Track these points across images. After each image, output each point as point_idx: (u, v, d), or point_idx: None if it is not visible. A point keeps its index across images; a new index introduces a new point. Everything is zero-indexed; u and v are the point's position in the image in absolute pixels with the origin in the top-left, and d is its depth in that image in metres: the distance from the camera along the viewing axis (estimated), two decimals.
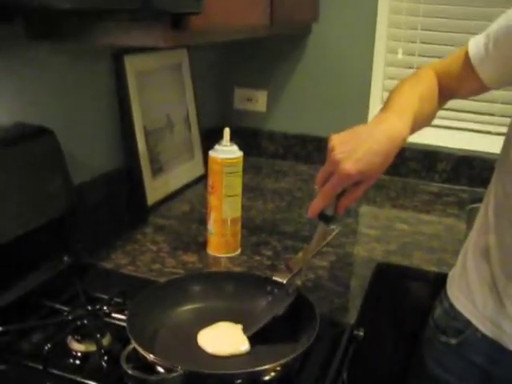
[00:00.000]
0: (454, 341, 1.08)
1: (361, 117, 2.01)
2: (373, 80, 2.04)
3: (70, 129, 1.34)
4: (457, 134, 1.95)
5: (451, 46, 1.87)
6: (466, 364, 1.06)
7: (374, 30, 1.98)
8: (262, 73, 2.11)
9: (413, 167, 1.97)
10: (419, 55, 1.99)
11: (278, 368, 0.82)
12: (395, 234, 1.54)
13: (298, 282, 1.03)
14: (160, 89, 1.68)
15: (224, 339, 0.94)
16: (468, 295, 1.07)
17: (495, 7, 1.80)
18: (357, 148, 0.85)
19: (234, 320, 0.98)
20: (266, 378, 0.82)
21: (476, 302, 1.05)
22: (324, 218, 0.93)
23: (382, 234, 1.53)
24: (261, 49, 1.97)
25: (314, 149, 2.06)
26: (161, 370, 0.80)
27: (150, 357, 0.80)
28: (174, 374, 0.78)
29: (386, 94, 2.03)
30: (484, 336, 1.03)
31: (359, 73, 2.03)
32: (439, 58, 1.90)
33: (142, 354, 0.81)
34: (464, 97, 1.15)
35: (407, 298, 1.38)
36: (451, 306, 1.10)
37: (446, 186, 1.94)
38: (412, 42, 2.00)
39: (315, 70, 2.06)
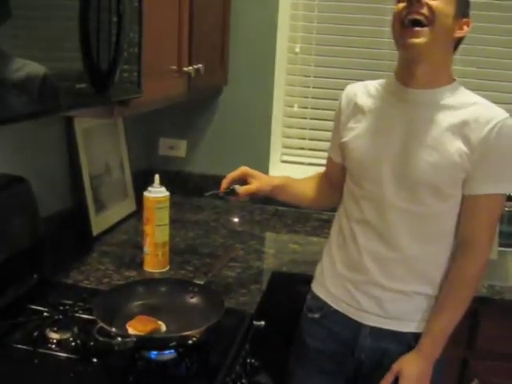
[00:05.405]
0: (317, 315, 1.54)
1: (264, 159, 2.46)
2: (273, 129, 2.48)
3: (33, 176, 1.62)
4: None
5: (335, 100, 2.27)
6: (324, 330, 1.53)
7: (272, 88, 2.42)
8: (182, 126, 2.52)
9: None
10: (311, 108, 2.47)
11: (198, 335, 1.24)
12: (288, 251, 1.99)
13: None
14: (100, 142, 2.07)
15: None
16: (324, 285, 1.54)
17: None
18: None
19: (167, 312, 1.37)
20: (190, 342, 1.23)
21: (329, 288, 1.52)
22: (231, 192, 1.58)
23: (278, 252, 1.99)
24: (180, 106, 2.34)
25: None
26: (119, 339, 1.20)
27: (112, 330, 1.20)
28: (129, 339, 1.18)
29: (284, 140, 2.51)
30: (335, 310, 1.50)
31: (261, 123, 2.46)
32: (327, 110, 2.32)
33: (106, 329, 1.21)
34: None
35: (295, 296, 1.80)
36: (315, 293, 1.57)
37: (334, 213, 2.39)
38: (305, 97, 2.47)
39: (225, 122, 2.48)
